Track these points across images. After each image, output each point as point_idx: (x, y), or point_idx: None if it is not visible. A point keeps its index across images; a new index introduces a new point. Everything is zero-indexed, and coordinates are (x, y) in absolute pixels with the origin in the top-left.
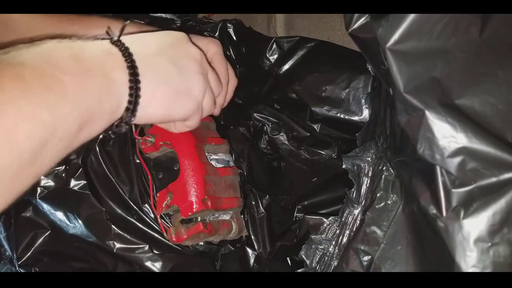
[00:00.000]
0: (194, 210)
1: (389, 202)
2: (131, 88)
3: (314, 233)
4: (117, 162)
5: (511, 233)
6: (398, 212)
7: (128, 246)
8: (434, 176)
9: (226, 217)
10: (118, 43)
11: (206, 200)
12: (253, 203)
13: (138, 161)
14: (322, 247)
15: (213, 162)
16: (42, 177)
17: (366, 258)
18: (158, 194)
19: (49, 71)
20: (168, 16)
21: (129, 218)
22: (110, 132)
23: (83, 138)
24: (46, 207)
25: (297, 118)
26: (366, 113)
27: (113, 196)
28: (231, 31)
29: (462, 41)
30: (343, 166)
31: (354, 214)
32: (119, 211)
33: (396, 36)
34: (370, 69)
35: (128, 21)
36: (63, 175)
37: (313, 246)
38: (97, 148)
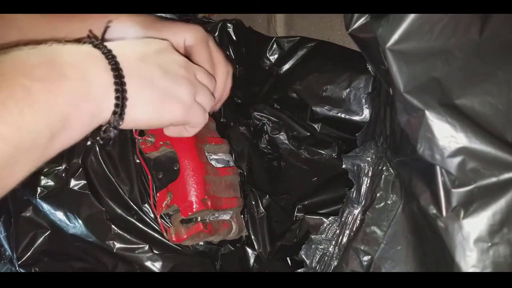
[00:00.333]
0: (194, 210)
1: (389, 202)
2: (116, 90)
3: (314, 233)
4: (117, 162)
5: (511, 233)
6: (398, 212)
7: (128, 246)
8: (434, 176)
9: (226, 217)
10: (99, 46)
11: (206, 200)
12: (253, 203)
13: (138, 161)
14: (322, 247)
15: (213, 162)
16: (42, 177)
17: (366, 258)
18: (158, 194)
19: (16, 79)
20: (168, 16)
21: (129, 218)
22: (98, 138)
23: (59, 146)
24: (46, 207)
25: (298, 118)
26: (366, 113)
27: (113, 196)
28: (231, 31)
29: (462, 41)
30: (343, 166)
31: (354, 214)
32: (119, 211)
33: (396, 36)
34: (370, 69)
35: (111, 23)
36: (63, 175)
37: (313, 246)
38: (97, 148)
